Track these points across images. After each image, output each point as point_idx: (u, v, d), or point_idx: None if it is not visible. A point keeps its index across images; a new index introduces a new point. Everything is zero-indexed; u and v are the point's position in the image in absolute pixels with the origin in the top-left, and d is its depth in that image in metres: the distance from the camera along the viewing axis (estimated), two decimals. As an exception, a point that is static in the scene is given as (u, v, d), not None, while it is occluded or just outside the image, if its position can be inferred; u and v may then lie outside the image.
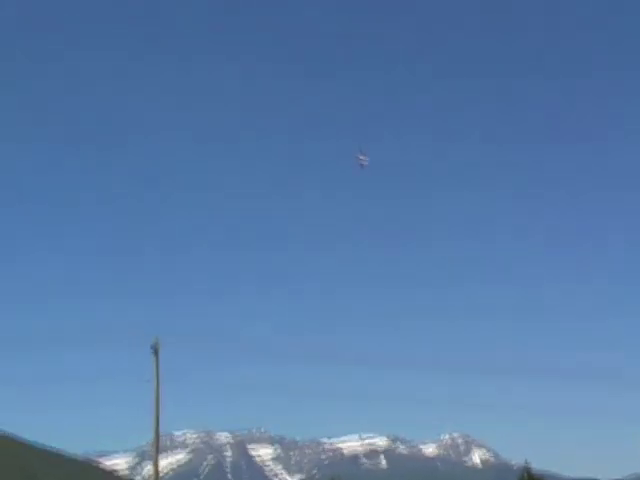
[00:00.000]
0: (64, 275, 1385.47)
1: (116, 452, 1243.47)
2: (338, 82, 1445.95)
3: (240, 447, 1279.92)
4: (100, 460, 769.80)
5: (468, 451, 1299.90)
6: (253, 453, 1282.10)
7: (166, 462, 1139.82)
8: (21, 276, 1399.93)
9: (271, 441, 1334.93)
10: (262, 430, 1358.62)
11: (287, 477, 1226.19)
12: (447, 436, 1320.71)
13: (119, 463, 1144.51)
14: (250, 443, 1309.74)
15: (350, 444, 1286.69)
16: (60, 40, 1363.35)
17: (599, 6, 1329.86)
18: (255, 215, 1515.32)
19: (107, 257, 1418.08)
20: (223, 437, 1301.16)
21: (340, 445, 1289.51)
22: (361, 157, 71.00)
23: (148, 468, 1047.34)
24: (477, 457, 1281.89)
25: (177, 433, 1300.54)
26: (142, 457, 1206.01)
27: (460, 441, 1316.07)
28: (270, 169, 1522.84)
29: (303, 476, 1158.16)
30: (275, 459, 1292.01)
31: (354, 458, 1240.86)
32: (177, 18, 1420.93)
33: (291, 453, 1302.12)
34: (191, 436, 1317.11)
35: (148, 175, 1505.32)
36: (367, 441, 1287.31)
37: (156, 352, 66.54)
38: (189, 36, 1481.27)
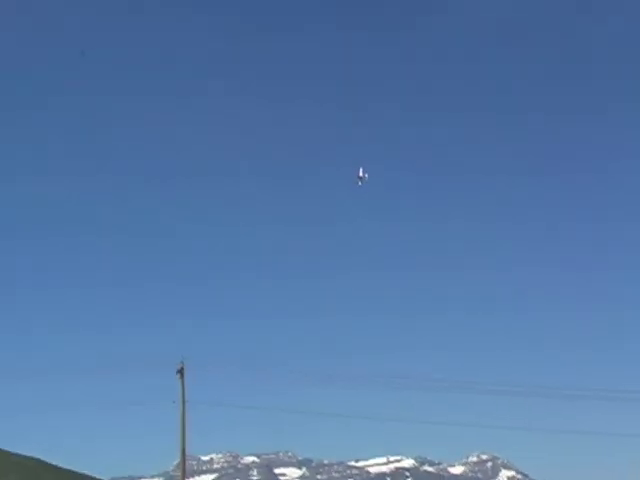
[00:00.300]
0: (89, 304, 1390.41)
1: (143, 476, 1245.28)
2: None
3: (267, 469, 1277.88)
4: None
5: (496, 472, 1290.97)
6: (280, 475, 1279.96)
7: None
8: (50, 305, 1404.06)
9: (298, 463, 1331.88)
10: (289, 453, 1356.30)
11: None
12: (475, 457, 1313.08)
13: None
14: (277, 466, 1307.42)
15: (377, 465, 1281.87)
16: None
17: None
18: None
19: (131, 284, 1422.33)
20: (250, 460, 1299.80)
21: (367, 467, 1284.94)
22: (361, 175, 72.34)
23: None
24: (505, 478, 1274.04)
25: (204, 457, 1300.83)
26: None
27: (488, 462, 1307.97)
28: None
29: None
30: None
31: (381, 479, 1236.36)
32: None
33: (318, 476, 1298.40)
34: (218, 459, 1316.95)
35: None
36: (394, 463, 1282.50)
37: (182, 375, 68.11)
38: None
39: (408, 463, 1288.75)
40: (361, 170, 72.10)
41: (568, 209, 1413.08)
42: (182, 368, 68.30)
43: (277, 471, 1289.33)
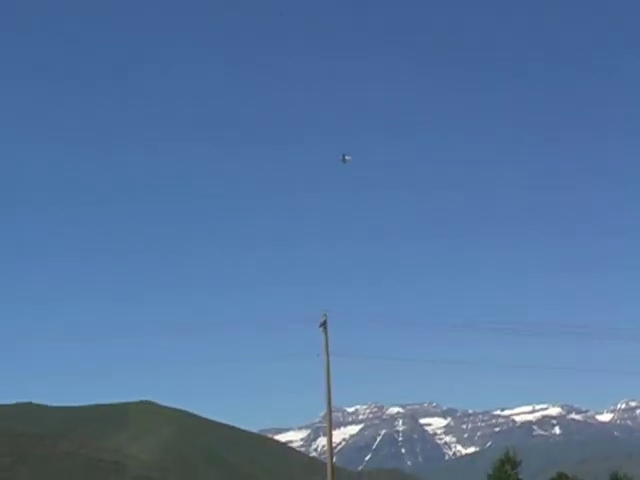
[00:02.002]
0: (237, 263, 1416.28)
1: (291, 428, 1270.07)
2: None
3: (412, 420, 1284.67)
4: (275, 436, 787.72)
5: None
6: (425, 425, 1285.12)
7: (339, 436, 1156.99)
8: (206, 266, 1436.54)
9: (443, 413, 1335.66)
10: (434, 404, 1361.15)
11: (460, 448, 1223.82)
12: (623, 404, 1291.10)
13: (294, 439, 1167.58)
14: (422, 416, 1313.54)
15: (523, 414, 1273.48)
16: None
17: None
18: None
19: (280, 245, 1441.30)
20: (394, 411, 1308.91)
21: (513, 415, 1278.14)
22: (347, 157, 71.13)
23: (322, 441, 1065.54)
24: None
25: (349, 409, 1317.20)
26: (316, 432, 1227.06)
27: (637, 409, 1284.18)
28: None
29: (476, 448, 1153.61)
30: (447, 431, 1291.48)
31: (527, 428, 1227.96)
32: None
33: (463, 425, 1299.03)
34: (363, 410, 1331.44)
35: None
36: (540, 412, 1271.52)
37: (325, 328, 68.54)
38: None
39: (555, 411, 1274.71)
40: (344, 156, 71.05)
41: None
42: (325, 321, 68.66)
43: (422, 421, 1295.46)
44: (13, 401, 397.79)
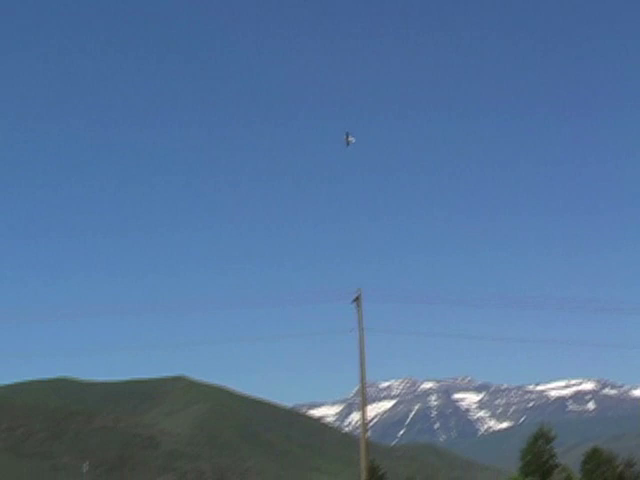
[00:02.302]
0: (274, 241, 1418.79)
1: (325, 403, 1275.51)
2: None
3: (445, 395, 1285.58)
4: (309, 411, 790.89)
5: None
6: (458, 400, 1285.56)
7: (373, 411, 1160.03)
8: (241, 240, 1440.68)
9: (476, 389, 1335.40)
10: (467, 379, 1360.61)
11: (493, 423, 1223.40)
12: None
13: (327, 413, 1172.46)
14: (455, 391, 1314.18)
15: (557, 389, 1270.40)
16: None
17: None
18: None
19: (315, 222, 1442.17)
20: (428, 386, 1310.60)
21: (546, 391, 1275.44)
22: (350, 138, 70.33)
23: (355, 417, 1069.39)
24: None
25: (383, 384, 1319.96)
26: (349, 407, 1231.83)
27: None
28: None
29: (510, 423, 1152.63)
30: (480, 406, 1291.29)
31: (560, 403, 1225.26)
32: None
33: (497, 400, 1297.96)
34: (396, 385, 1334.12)
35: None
36: (574, 387, 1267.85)
37: (358, 303, 68.16)
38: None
39: (589, 386, 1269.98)
40: (347, 136, 70.29)
41: None
42: (359, 297, 68.21)
43: (455, 396, 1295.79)
44: (48, 376, 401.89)
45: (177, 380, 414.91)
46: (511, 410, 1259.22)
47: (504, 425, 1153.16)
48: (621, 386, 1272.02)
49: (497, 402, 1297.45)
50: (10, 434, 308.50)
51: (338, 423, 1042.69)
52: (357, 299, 68.09)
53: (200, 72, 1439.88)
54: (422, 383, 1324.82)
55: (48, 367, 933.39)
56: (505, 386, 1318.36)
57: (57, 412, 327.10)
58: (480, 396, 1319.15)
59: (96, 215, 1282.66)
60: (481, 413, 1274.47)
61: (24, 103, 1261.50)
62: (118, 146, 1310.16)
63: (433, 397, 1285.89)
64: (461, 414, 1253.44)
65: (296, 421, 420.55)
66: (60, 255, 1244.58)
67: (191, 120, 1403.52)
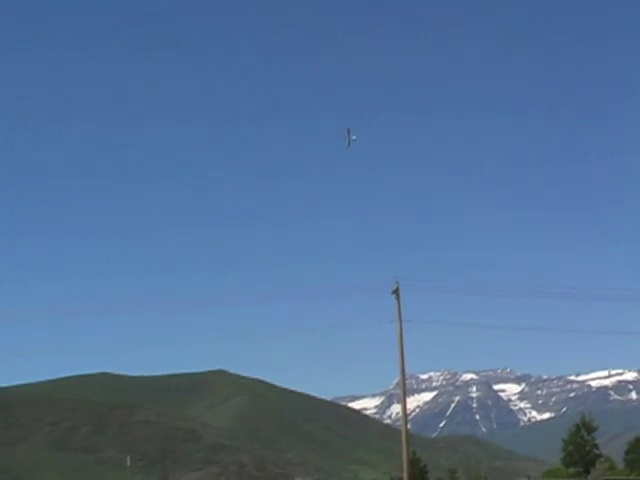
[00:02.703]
0: (312, 233, 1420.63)
1: (365, 396, 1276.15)
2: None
3: (485, 386, 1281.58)
4: (349, 404, 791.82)
5: None
6: (499, 392, 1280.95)
7: (413, 403, 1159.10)
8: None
9: (517, 379, 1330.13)
10: (507, 370, 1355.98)
11: (534, 414, 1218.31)
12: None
13: (368, 406, 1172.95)
14: (496, 382, 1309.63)
15: (598, 379, 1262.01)
16: None
17: None
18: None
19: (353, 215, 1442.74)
20: (468, 377, 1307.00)
21: (588, 381, 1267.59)
22: (352, 137, 70.00)
23: (395, 408, 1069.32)
24: None
25: (422, 375, 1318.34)
26: (389, 399, 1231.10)
27: None
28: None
29: (551, 413, 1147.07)
30: (521, 397, 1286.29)
31: (603, 393, 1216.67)
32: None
33: (538, 391, 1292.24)
34: (436, 377, 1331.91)
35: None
36: (616, 377, 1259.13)
37: (397, 295, 68.26)
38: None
39: (631, 376, 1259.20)
40: (348, 134, 70.05)
41: None
42: (397, 288, 68.30)
43: (496, 387, 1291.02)
44: (90, 371, 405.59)
45: (218, 374, 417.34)
46: (552, 401, 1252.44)
47: (545, 416, 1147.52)
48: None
49: (538, 393, 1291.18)
50: (54, 429, 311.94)
51: (378, 415, 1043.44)
52: (396, 291, 68.20)
53: (201, 67, 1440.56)
54: (462, 374, 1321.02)
55: (91, 362, 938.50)
56: (546, 377, 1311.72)
57: (100, 406, 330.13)
58: (521, 387, 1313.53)
59: (140, 209, 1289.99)
60: (522, 404, 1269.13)
61: (24, 102, 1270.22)
62: (121, 142, 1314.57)
63: (474, 388, 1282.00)
64: (502, 405, 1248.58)
65: (337, 413, 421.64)
66: (101, 250, 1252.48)
67: (218, 115, 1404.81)
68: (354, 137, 67.81)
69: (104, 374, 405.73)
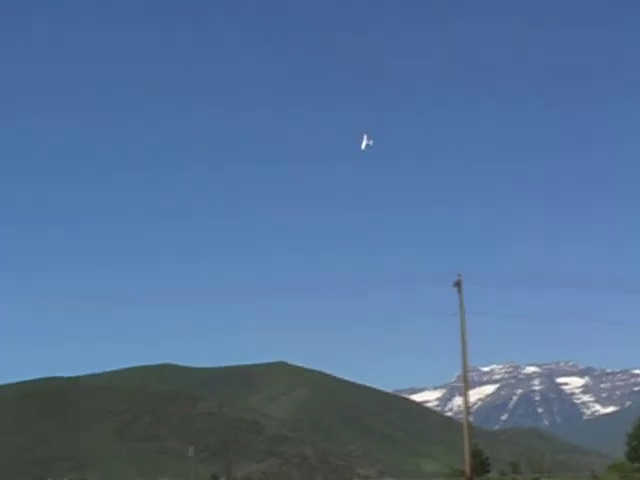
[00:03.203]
0: (374, 225, 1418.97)
1: (426, 388, 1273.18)
2: None
3: (548, 379, 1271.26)
4: (410, 396, 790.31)
5: None
6: (562, 385, 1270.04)
7: (475, 395, 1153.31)
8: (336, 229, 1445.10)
9: (580, 373, 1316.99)
10: (570, 362, 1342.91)
11: (598, 408, 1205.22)
12: None
13: (429, 398, 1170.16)
14: (558, 375, 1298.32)
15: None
16: None
17: None
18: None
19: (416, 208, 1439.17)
20: (530, 370, 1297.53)
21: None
22: (368, 142, 69.63)
23: (457, 401, 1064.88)
24: None
25: (484, 368, 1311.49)
26: (451, 391, 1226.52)
27: None
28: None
29: (615, 407, 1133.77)
30: (585, 390, 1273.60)
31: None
32: None
33: (601, 384, 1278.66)
34: (498, 369, 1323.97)
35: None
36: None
37: (459, 287, 68.09)
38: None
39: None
40: (365, 138, 69.68)
41: None
42: (459, 280, 68.13)
43: (559, 380, 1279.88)
44: (152, 362, 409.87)
45: (278, 365, 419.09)
46: (616, 394, 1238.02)
47: (609, 409, 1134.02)
48: None
49: (602, 386, 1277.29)
50: (116, 419, 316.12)
51: (440, 408, 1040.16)
52: (458, 283, 68.05)
53: (203, 62, 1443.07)
54: (524, 367, 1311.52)
55: (152, 353, 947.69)
56: (610, 370, 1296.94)
57: (162, 397, 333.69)
58: (584, 380, 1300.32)
59: (191, 199, 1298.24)
60: (585, 397, 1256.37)
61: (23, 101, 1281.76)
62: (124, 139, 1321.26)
63: (536, 381, 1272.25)
64: (565, 398, 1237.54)
65: (398, 406, 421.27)
66: (163, 240, 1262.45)
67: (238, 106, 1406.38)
68: (371, 141, 68.06)
69: (165, 365, 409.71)
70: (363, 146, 69.47)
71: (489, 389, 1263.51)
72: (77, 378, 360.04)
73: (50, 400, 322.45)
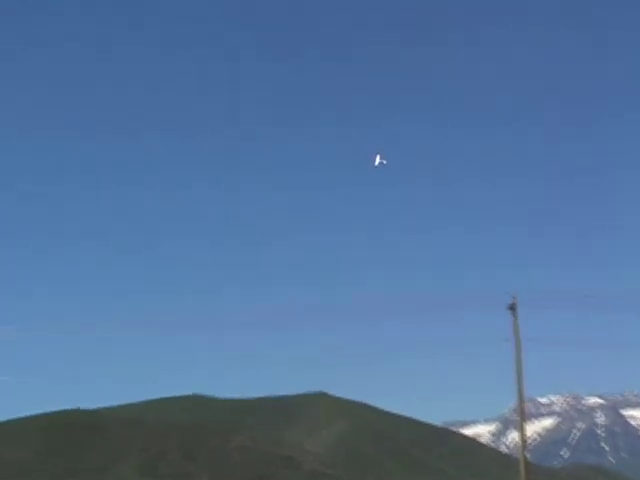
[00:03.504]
0: (423, 246, 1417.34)
1: (477, 421, 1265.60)
2: None
3: (613, 411, 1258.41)
4: (461, 430, 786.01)
5: None
6: (628, 418, 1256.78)
7: (532, 429, 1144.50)
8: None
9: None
10: (636, 392, 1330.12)
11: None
12: None
13: (481, 432, 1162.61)
14: (624, 407, 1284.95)
15: None
16: None
17: None
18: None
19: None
20: (592, 401, 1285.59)
21: None
22: (383, 160, 72.57)
23: (512, 435, 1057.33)
24: None
25: (542, 399, 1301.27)
26: (505, 425, 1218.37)
27: None
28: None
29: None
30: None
31: None
32: None
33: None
34: (557, 401, 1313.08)
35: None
36: None
37: (514, 311, 67.53)
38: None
39: None
40: (378, 157, 72.55)
41: None
42: (514, 304, 67.55)
43: (624, 412, 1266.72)
44: (180, 393, 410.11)
45: (317, 396, 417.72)
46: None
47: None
48: None
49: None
50: (144, 454, 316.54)
51: (494, 443, 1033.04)
52: (513, 306, 67.46)
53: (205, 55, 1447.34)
54: (586, 398, 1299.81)
55: (180, 384, 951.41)
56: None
57: (192, 431, 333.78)
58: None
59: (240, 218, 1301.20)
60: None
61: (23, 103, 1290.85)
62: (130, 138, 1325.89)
63: (599, 414, 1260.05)
64: (632, 432, 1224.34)
65: (448, 439, 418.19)
66: (193, 268, 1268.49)
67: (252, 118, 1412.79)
68: (385, 161, 70.44)
69: (194, 396, 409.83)
70: (376, 163, 72.44)
71: (547, 422, 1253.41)
72: (103, 410, 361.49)
73: (74, 433, 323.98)
